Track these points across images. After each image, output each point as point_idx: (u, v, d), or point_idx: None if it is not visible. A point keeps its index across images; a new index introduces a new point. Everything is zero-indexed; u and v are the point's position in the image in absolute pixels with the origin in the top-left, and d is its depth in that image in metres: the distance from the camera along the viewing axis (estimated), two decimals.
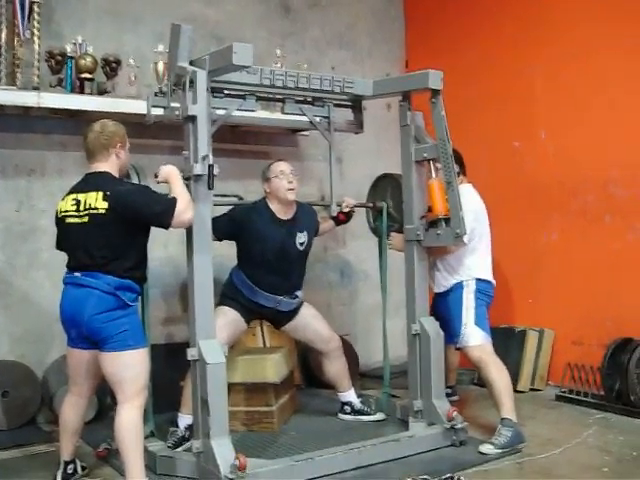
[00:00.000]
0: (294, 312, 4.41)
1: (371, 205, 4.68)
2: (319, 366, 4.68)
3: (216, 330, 3.82)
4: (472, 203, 4.17)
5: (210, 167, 3.37)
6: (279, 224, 4.24)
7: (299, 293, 4.38)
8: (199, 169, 3.37)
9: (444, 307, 4.28)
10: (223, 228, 4.04)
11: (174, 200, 3.24)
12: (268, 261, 4.18)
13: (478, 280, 4.22)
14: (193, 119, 3.40)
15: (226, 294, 4.26)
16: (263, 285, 4.22)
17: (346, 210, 4.55)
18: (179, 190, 3.32)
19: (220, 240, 4.10)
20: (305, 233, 4.33)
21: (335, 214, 4.50)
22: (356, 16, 6.19)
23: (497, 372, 4.06)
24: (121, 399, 3.24)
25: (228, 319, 4.13)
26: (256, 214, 4.22)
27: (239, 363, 4.34)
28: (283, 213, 4.26)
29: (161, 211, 3.23)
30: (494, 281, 4.32)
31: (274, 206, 4.24)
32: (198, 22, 5.32)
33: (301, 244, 4.31)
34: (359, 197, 4.71)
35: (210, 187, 3.40)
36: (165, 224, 3.27)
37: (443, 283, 4.30)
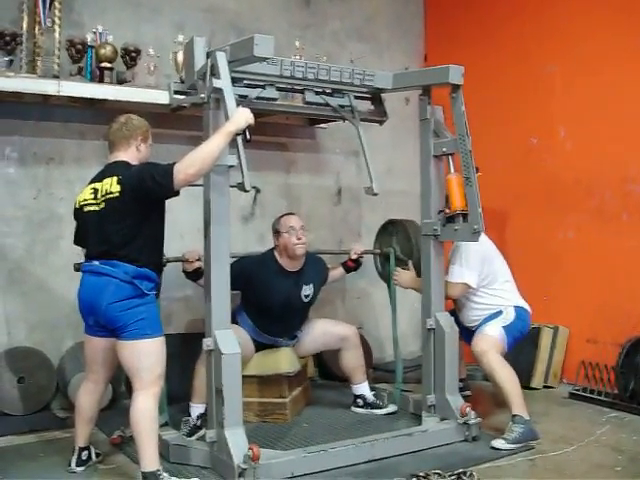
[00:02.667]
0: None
1: (378, 251, 4.77)
2: (333, 358, 4.70)
3: None
4: (474, 248, 4.16)
5: None
6: (285, 276, 4.32)
7: (298, 333, 4.51)
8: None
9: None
10: (231, 281, 3.82)
11: (171, 165, 3.20)
12: (272, 311, 4.28)
13: (516, 307, 4.25)
14: (219, 92, 3.38)
15: None
16: (265, 330, 4.36)
17: (354, 257, 4.65)
18: (205, 143, 3.26)
19: None
20: (311, 285, 4.41)
21: (377, 191, 4.47)
22: (376, 9, 6.17)
23: (502, 370, 4.03)
24: (137, 387, 3.26)
25: (239, 334, 4.10)
26: (263, 266, 4.30)
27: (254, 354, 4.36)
28: (291, 265, 4.34)
29: (161, 180, 3.19)
30: (530, 310, 4.32)
31: (282, 259, 4.33)
32: (218, 12, 5.34)
33: (306, 296, 4.40)
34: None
35: (248, 139, 3.33)
36: (169, 191, 3.23)
37: (477, 318, 4.30)
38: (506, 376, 4.02)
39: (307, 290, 4.39)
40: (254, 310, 4.34)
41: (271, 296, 4.25)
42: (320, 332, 4.54)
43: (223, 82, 3.37)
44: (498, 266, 4.33)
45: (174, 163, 3.20)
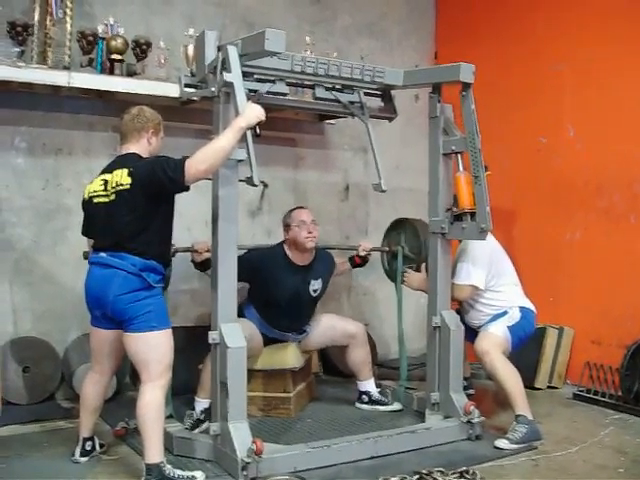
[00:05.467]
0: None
1: (387, 249, 4.74)
2: (337, 354, 4.70)
3: None
4: (481, 249, 4.16)
5: None
6: (294, 270, 4.31)
7: (307, 328, 4.49)
8: None
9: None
10: (238, 272, 3.78)
11: (182, 160, 3.20)
12: (280, 305, 4.27)
13: (521, 308, 4.24)
14: (230, 86, 3.38)
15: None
16: (273, 324, 4.35)
17: (362, 254, 4.62)
18: (218, 139, 3.27)
19: None
20: (320, 280, 4.41)
21: (385, 188, 4.48)
22: (387, 5, 6.15)
23: (504, 370, 4.02)
24: (145, 379, 3.27)
25: (247, 327, 4.10)
26: (272, 260, 4.30)
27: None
28: (300, 259, 4.33)
29: (173, 174, 3.19)
30: (535, 310, 4.31)
31: (291, 252, 4.33)
32: (228, 6, 5.35)
33: (314, 291, 4.40)
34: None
35: (257, 134, 3.35)
36: (181, 186, 3.24)
37: (482, 318, 4.29)
38: (508, 375, 4.01)
39: (315, 285, 4.39)
40: (262, 304, 4.33)
41: (279, 290, 4.25)
42: (327, 327, 4.53)
43: (234, 76, 3.38)
44: (504, 267, 4.32)
45: (185, 158, 3.20)
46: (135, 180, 3.24)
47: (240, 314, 4.18)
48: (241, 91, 3.38)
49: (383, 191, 4.48)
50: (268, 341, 4.41)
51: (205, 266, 3.95)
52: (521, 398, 3.99)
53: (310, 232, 4.25)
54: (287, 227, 4.33)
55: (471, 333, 4.30)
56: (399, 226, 4.76)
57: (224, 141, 3.24)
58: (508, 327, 4.15)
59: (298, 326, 4.47)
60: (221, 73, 3.42)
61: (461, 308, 4.41)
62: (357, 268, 4.77)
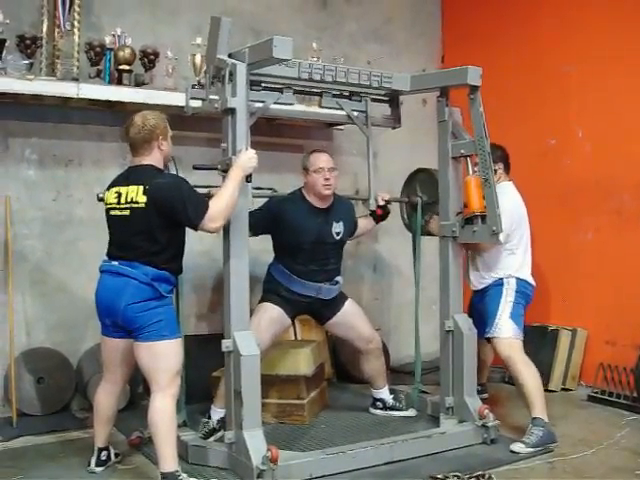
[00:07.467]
0: (337, 306, 4.38)
1: (406, 200, 4.65)
2: (353, 361, 4.67)
3: (260, 330, 3.87)
4: (509, 202, 4.13)
5: None
6: (315, 213, 4.22)
7: (339, 279, 4.35)
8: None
9: (482, 301, 4.27)
10: (259, 222, 3.98)
11: (207, 207, 3.26)
12: (305, 250, 4.16)
13: (518, 279, 4.20)
14: (232, 112, 3.43)
15: (267, 289, 4.27)
16: (302, 274, 4.20)
17: (381, 203, 4.50)
18: (225, 192, 3.32)
19: (257, 235, 4.07)
20: (341, 223, 4.30)
21: (374, 207, 4.47)
22: (393, 10, 6.16)
23: (526, 372, 4.03)
24: (155, 388, 3.28)
25: (272, 317, 4.13)
26: (292, 204, 4.22)
27: (272, 355, 4.35)
28: (319, 203, 4.24)
29: (192, 216, 3.26)
30: (534, 282, 4.29)
31: (310, 197, 4.24)
32: (235, 14, 5.30)
33: (337, 233, 4.28)
34: (393, 191, 4.71)
35: (248, 180, 3.43)
36: (193, 227, 3.33)
37: (481, 280, 4.28)
38: (530, 378, 4.02)
39: (338, 227, 4.27)
40: (288, 254, 4.22)
41: (302, 233, 4.14)
42: (351, 324, 4.41)
43: (238, 101, 3.41)
44: (521, 229, 4.26)
45: (207, 206, 3.26)
46: (151, 200, 3.26)
47: (268, 277, 4.29)
48: (242, 124, 3.43)
49: (371, 213, 4.46)
50: (303, 309, 4.33)
51: None
52: (539, 401, 3.98)
53: (327, 179, 4.17)
54: (305, 170, 4.24)
55: (480, 325, 4.26)
56: (415, 177, 4.65)
57: (230, 194, 3.33)
58: (511, 317, 4.13)
59: (328, 272, 4.29)
60: (226, 88, 3.42)
61: (468, 264, 4.38)
62: (381, 222, 4.64)
